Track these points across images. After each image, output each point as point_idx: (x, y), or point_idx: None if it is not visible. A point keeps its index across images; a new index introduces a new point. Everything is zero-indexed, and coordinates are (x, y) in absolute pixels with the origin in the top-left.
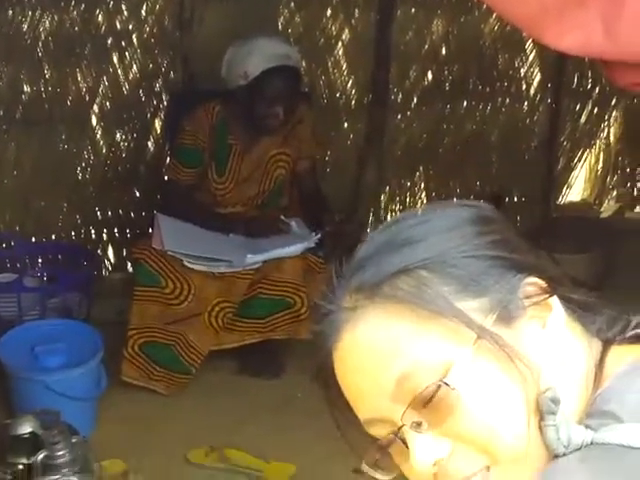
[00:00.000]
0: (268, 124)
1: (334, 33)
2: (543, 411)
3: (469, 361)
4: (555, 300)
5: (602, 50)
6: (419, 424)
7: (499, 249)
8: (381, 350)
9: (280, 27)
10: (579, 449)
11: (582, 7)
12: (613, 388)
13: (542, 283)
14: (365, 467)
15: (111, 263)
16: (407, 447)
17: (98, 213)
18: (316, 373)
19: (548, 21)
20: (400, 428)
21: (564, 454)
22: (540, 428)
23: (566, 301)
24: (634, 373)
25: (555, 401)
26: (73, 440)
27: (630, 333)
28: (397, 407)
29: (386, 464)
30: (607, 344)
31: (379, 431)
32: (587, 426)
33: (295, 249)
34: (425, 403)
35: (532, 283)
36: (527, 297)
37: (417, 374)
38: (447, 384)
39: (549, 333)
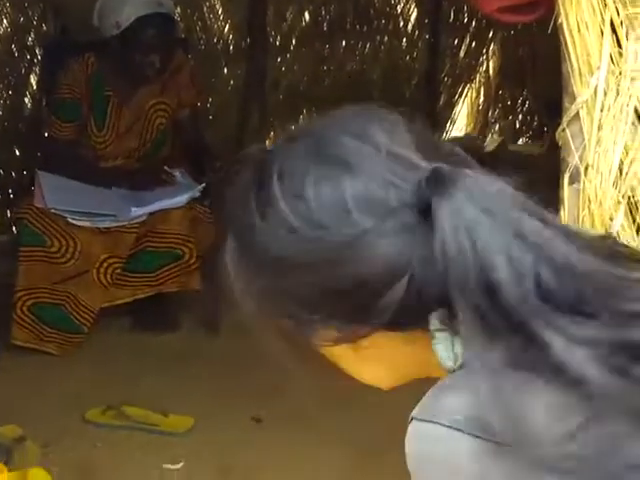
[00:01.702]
0: (144, 73)
1: None
2: (432, 332)
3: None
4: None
5: None
6: None
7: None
8: None
9: None
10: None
11: None
12: None
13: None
14: None
15: None
16: None
17: None
18: None
19: None
20: None
21: (454, 370)
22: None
23: None
24: None
25: (441, 320)
26: None
27: None
28: None
29: None
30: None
31: None
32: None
33: (180, 200)
34: None
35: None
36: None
37: None
38: None
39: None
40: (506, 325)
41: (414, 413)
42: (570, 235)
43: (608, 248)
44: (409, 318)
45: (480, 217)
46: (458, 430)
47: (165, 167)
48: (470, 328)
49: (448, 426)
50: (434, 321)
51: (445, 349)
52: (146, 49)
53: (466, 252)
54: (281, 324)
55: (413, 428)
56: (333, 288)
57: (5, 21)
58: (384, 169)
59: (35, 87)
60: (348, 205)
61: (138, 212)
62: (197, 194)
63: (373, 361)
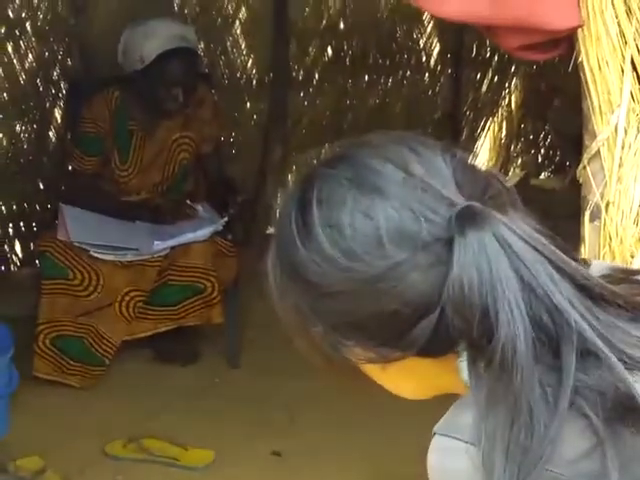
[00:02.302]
0: (168, 107)
1: (231, 12)
2: (459, 351)
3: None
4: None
5: (482, 15)
6: None
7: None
8: None
9: (176, 8)
10: None
11: None
12: None
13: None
14: None
15: (18, 258)
16: None
17: (2, 207)
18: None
19: None
20: None
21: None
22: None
23: None
24: None
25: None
26: None
27: None
28: None
29: None
30: None
31: None
32: None
33: (203, 233)
34: None
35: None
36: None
37: None
38: None
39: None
40: (502, 365)
41: (436, 428)
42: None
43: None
44: (440, 346)
45: (498, 260)
46: (475, 446)
47: (188, 201)
48: (470, 359)
49: (466, 442)
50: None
51: (466, 369)
52: (170, 83)
53: (475, 290)
54: (313, 337)
55: (435, 442)
56: (365, 317)
57: (30, 55)
58: (418, 201)
59: (59, 121)
60: (382, 237)
61: (161, 246)
62: (219, 228)
63: (400, 378)
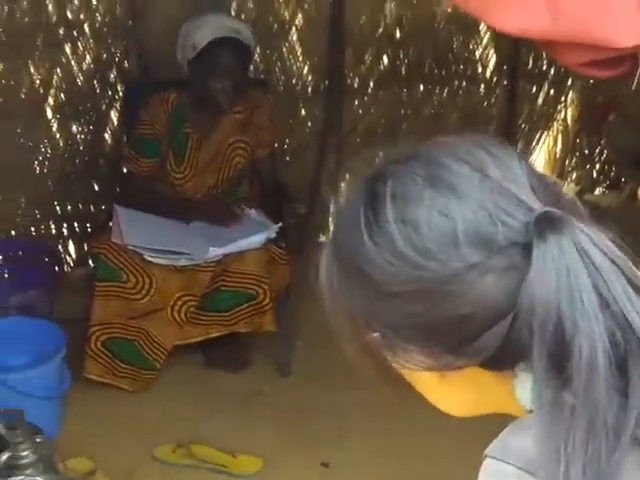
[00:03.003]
0: (218, 100)
1: (287, 18)
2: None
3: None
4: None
5: (546, 31)
6: None
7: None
8: None
9: (233, 13)
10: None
11: None
12: None
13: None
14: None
15: (72, 258)
16: None
17: (57, 208)
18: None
19: (491, 4)
20: None
21: (531, 411)
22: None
23: None
24: None
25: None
26: (37, 440)
27: None
28: None
29: None
30: None
31: None
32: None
33: (256, 240)
34: None
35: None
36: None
37: None
38: None
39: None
40: (571, 380)
41: (487, 450)
42: None
43: None
44: (506, 359)
45: (577, 268)
46: (528, 473)
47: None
48: (540, 374)
49: (519, 467)
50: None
51: (525, 389)
52: (219, 73)
53: (552, 298)
54: (369, 341)
55: (486, 465)
56: (433, 321)
57: (88, 57)
58: (495, 204)
59: (116, 123)
60: (459, 237)
61: (215, 252)
62: (273, 235)
63: (455, 390)
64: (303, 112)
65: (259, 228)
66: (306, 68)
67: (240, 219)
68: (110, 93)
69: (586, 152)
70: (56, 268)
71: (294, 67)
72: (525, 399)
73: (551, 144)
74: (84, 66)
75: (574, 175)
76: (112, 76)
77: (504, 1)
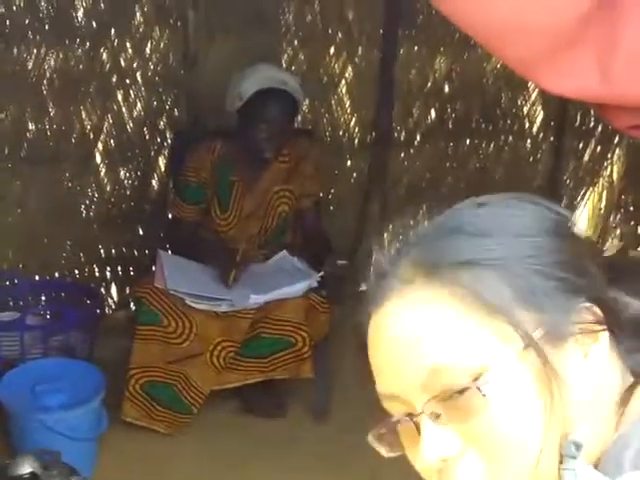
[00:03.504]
0: (263, 149)
1: (337, 71)
2: (564, 454)
3: (507, 369)
4: (605, 333)
5: (598, 94)
6: (438, 416)
7: (569, 271)
8: (423, 333)
9: (284, 65)
10: None
11: (575, 49)
12: (633, 434)
13: (599, 313)
14: (370, 438)
15: (114, 301)
16: (419, 433)
17: (102, 251)
18: (353, 333)
19: (541, 64)
20: (419, 415)
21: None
22: (558, 470)
23: (614, 336)
24: None
25: (578, 446)
26: None
27: None
28: (421, 393)
29: (392, 441)
30: (636, 383)
31: (394, 407)
32: (604, 475)
33: (298, 288)
34: (451, 400)
35: (590, 310)
36: (580, 322)
37: (452, 369)
38: (479, 389)
39: (589, 365)
40: None
41: None
42: None
43: None
44: None
45: None
46: None
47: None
48: None
49: None
50: (570, 445)
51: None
52: (263, 123)
53: None
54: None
55: None
56: None
57: (139, 104)
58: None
59: (162, 170)
60: None
61: (256, 300)
62: (315, 284)
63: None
64: (349, 164)
65: (301, 276)
66: (353, 120)
67: (228, 285)
68: (159, 140)
69: (631, 209)
70: (98, 310)
71: (342, 119)
72: None
73: (596, 200)
74: (134, 113)
75: (617, 231)
76: (162, 124)
77: (554, 63)
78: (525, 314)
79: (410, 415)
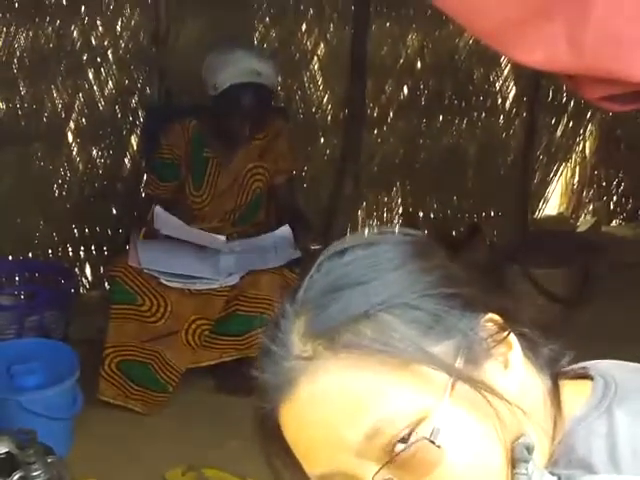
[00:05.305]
0: (236, 137)
1: (309, 48)
2: (516, 459)
3: (448, 409)
4: (513, 336)
5: (568, 64)
6: None
7: (452, 285)
8: (348, 404)
9: (255, 42)
10: None
11: (546, 20)
12: (576, 433)
13: (499, 319)
14: None
15: (88, 281)
16: None
17: (75, 230)
18: (257, 425)
19: (513, 35)
20: None
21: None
22: (512, 476)
23: (519, 336)
24: (593, 415)
25: (529, 448)
26: (49, 460)
27: (575, 367)
28: (362, 462)
29: None
30: (555, 381)
31: None
32: (559, 477)
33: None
34: (405, 462)
35: (490, 319)
36: (489, 335)
37: (389, 428)
38: (432, 441)
39: (512, 372)
40: None
41: None
42: None
43: None
44: None
45: None
46: None
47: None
48: None
49: None
50: (522, 449)
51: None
52: (239, 116)
53: None
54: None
55: None
56: None
57: (110, 83)
58: None
59: (135, 148)
60: None
61: (232, 278)
62: (297, 255)
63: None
64: (322, 141)
65: (279, 249)
66: (326, 97)
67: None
68: (131, 118)
69: (603, 184)
70: (72, 290)
71: (314, 96)
72: None
73: (568, 175)
74: (106, 91)
75: (591, 207)
76: (133, 102)
77: (523, 33)
78: (439, 347)
79: None
